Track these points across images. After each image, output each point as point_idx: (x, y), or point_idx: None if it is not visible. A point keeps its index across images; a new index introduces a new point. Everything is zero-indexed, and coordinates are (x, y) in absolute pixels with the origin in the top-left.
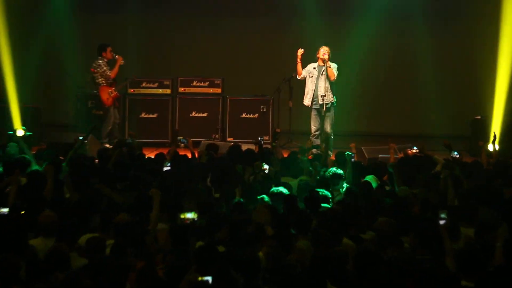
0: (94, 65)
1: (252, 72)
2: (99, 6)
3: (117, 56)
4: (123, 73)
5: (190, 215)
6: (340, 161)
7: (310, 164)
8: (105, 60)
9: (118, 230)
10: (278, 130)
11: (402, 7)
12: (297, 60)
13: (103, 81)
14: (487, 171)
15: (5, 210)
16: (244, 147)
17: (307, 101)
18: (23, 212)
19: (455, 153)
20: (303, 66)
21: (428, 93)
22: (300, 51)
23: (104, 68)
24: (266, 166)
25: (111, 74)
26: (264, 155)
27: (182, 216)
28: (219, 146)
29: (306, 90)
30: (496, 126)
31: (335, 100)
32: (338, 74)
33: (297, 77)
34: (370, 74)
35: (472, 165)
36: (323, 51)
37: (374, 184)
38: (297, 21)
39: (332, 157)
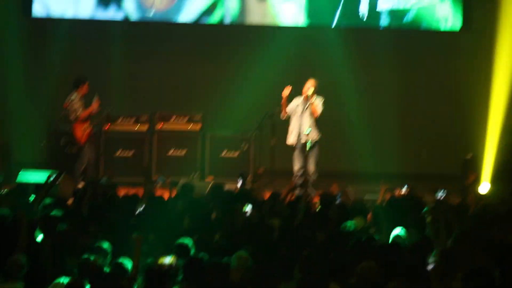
0: (67, 100)
1: (234, 108)
2: (74, 37)
3: (95, 99)
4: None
5: (168, 260)
6: (324, 203)
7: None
8: (80, 95)
9: (94, 276)
10: (260, 171)
11: (393, 42)
12: (282, 100)
13: (76, 117)
14: (474, 215)
15: None
16: (226, 186)
17: (291, 139)
18: None
19: (439, 194)
20: (289, 101)
21: (418, 131)
22: (285, 93)
23: (76, 106)
24: (248, 208)
25: (82, 114)
26: (246, 195)
27: (160, 261)
28: (194, 187)
29: (290, 128)
30: (487, 165)
31: (319, 137)
32: (323, 109)
33: (281, 117)
34: (357, 110)
35: (457, 208)
36: (308, 85)
37: (360, 225)
38: (282, 54)
39: (316, 198)
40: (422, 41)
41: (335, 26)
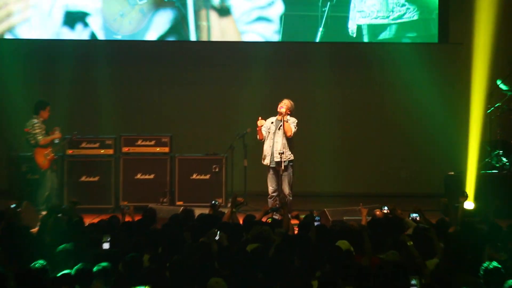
0: (28, 124)
1: (203, 129)
2: (35, 58)
3: (56, 130)
4: (62, 132)
5: None
6: (304, 225)
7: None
8: (41, 120)
9: None
10: (240, 199)
11: (377, 60)
12: (257, 128)
13: (36, 143)
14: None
15: None
16: (197, 211)
17: (266, 160)
18: None
19: (414, 215)
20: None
21: (398, 149)
22: (260, 123)
23: (37, 130)
24: (217, 236)
25: (42, 141)
26: (218, 220)
27: None
28: (156, 211)
29: (265, 147)
30: (470, 182)
31: (293, 157)
32: (298, 129)
33: (258, 139)
34: (334, 128)
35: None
36: (281, 104)
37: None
38: (253, 71)
39: (293, 221)
40: (400, 54)
41: (307, 41)
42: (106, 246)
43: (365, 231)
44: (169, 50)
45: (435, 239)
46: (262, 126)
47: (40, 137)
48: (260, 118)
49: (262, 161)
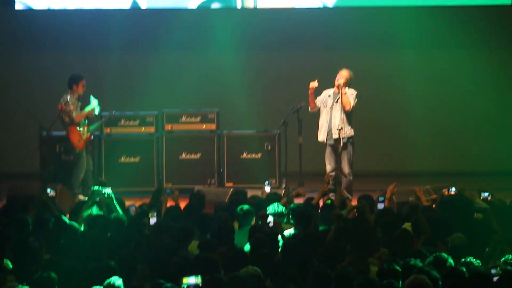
0: (61, 100)
1: (253, 103)
2: (66, 31)
3: (94, 102)
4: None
5: (193, 280)
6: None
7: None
8: (75, 95)
9: None
10: (301, 191)
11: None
12: (309, 91)
13: (71, 121)
14: None
15: None
16: (249, 193)
17: (321, 136)
18: None
19: (486, 194)
20: (317, 95)
21: (466, 124)
22: (313, 84)
23: (71, 107)
24: (270, 219)
25: (76, 117)
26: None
27: (184, 281)
28: (205, 194)
29: (320, 122)
30: None
31: (353, 133)
32: (357, 102)
33: (309, 110)
34: (396, 103)
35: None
36: (338, 76)
37: None
38: (305, 39)
39: (353, 202)
40: (471, 17)
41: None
42: (153, 220)
43: (421, 212)
44: (213, 19)
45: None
46: (314, 88)
47: (74, 114)
48: (316, 80)
49: (318, 137)
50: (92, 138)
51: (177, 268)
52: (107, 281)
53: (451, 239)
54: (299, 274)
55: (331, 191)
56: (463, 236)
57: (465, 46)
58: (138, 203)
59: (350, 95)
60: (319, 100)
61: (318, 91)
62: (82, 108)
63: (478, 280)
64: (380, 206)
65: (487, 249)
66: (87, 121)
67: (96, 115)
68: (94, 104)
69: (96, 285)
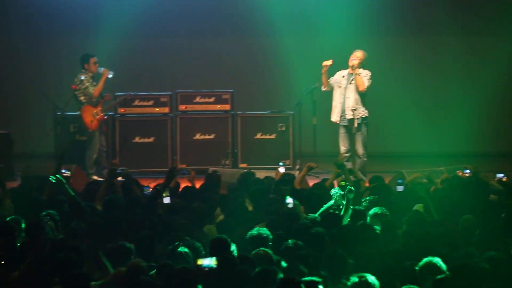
0: (76, 80)
1: (267, 84)
2: (77, 8)
3: (102, 69)
4: (112, 89)
5: (207, 262)
6: (379, 189)
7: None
8: (89, 74)
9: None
10: (313, 165)
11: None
12: (322, 70)
13: (86, 100)
14: None
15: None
16: (261, 174)
17: (335, 116)
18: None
19: (501, 175)
20: (330, 76)
21: (483, 105)
22: (326, 62)
23: (87, 84)
24: (290, 200)
25: (94, 91)
26: (286, 184)
27: (199, 263)
28: (221, 176)
29: (334, 103)
30: None
31: (367, 115)
32: (372, 83)
33: (322, 89)
34: (411, 83)
35: None
36: (352, 56)
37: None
38: (321, 20)
39: (366, 184)
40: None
41: None
42: (166, 200)
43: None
44: (227, 1)
45: None
46: (327, 66)
47: (91, 89)
48: (330, 60)
49: (331, 117)
50: (105, 118)
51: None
52: None
53: (461, 221)
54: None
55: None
56: (473, 218)
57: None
58: (152, 184)
59: (365, 76)
60: (332, 80)
61: (332, 72)
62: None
63: None
64: (400, 188)
65: None
66: (102, 99)
67: (111, 77)
68: (103, 71)
69: (113, 266)
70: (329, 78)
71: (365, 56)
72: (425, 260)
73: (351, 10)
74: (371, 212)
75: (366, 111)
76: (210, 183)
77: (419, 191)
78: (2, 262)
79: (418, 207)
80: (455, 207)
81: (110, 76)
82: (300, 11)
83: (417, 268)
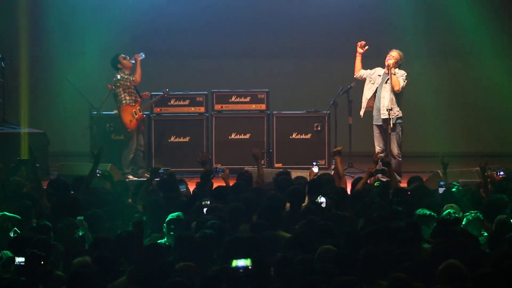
0: (114, 80)
1: (302, 83)
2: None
3: (133, 60)
4: (149, 88)
5: (242, 263)
6: (419, 190)
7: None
8: (125, 71)
9: None
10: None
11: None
12: (356, 53)
13: (127, 98)
14: None
15: (21, 259)
16: (296, 174)
17: (362, 111)
18: (42, 262)
19: (501, 172)
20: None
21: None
22: (361, 43)
23: (126, 77)
24: (322, 199)
25: (136, 77)
26: (320, 185)
27: (234, 264)
28: (252, 175)
29: (363, 98)
30: None
31: (401, 115)
32: (407, 83)
33: (354, 75)
34: (446, 83)
35: None
36: (388, 56)
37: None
38: (358, 19)
39: (403, 184)
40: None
41: None
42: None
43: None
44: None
45: None
46: (361, 52)
47: (132, 78)
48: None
49: (360, 112)
50: (144, 117)
51: (227, 249)
52: None
53: (496, 221)
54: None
55: (378, 172)
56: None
57: None
58: (189, 183)
59: (400, 76)
60: (367, 73)
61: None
62: (137, 90)
63: None
64: (441, 190)
65: None
66: (140, 98)
67: (144, 57)
68: (135, 57)
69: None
70: (364, 69)
71: (401, 56)
72: None
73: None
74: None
75: (400, 111)
76: (242, 182)
77: (455, 192)
78: (42, 262)
79: (450, 207)
80: (495, 207)
81: (142, 58)
82: (335, 10)
83: None
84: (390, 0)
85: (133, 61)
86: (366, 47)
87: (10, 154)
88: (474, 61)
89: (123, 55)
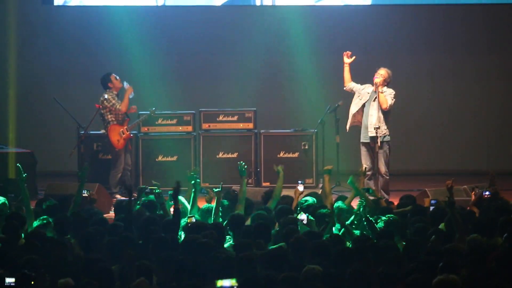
0: (100, 99)
1: (290, 102)
2: (102, 27)
3: (126, 85)
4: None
5: (228, 283)
6: (415, 210)
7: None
8: (113, 91)
9: None
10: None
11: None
12: (343, 64)
13: (113, 119)
14: None
15: (11, 280)
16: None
17: (347, 125)
18: (32, 282)
19: (487, 192)
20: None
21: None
22: (348, 53)
23: (113, 101)
24: (303, 216)
25: (122, 107)
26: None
27: (219, 285)
28: (237, 194)
29: (350, 111)
30: None
31: (389, 133)
32: (395, 102)
33: (344, 86)
34: (434, 101)
35: None
36: (376, 74)
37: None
38: (341, 36)
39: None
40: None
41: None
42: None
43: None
44: (247, 17)
45: None
46: (348, 63)
47: (119, 106)
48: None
49: (346, 126)
50: (131, 136)
51: (213, 268)
52: None
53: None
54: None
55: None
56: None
57: None
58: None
59: (388, 94)
60: (357, 87)
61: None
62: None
63: None
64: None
65: None
66: (127, 117)
67: (131, 97)
68: (128, 88)
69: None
70: (354, 82)
71: (389, 74)
72: None
73: (375, 26)
74: None
75: (388, 130)
76: (227, 202)
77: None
78: (33, 282)
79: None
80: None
81: (131, 96)
82: (322, 29)
83: None
84: (379, 19)
85: (125, 86)
86: (353, 57)
87: None
88: (462, 80)
89: (115, 75)
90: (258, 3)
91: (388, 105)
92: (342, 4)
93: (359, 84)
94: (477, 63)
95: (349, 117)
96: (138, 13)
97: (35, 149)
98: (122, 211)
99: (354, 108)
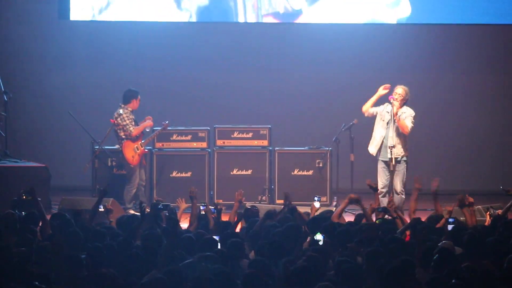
0: (115, 115)
1: (304, 119)
2: (119, 41)
3: (148, 119)
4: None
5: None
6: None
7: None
8: (129, 109)
9: None
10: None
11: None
12: (376, 92)
13: (125, 136)
14: None
15: None
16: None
17: (372, 148)
18: None
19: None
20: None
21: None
22: (381, 92)
23: (127, 121)
24: (320, 237)
25: (134, 131)
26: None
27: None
28: (258, 211)
29: (374, 134)
30: None
31: (406, 154)
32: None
33: (363, 110)
34: (452, 121)
35: None
36: (393, 95)
37: None
38: (354, 53)
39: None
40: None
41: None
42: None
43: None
44: (264, 34)
45: None
46: (381, 95)
47: (132, 128)
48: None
49: (368, 148)
50: (146, 151)
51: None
52: None
53: (507, 261)
54: None
55: (381, 211)
56: None
57: None
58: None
59: (408, 116)
60: (377, 110)
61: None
62: (136, 122)
63: None
64: (450, 227)
65: None
66: (142, 133)
67: (149, 131)
68: (149, 123)
69: None
70: (375, 106)
71: (407, 92)
72: None
73: (391, 44)
74: None
75: (406, 150)
76: (249, 219)
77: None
78: None
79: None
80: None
81: (147, 129)
82: (337, 47)
83: None
84: (394, 37)
85: (145, 120)
86: (387, 91)
87: (11, 188)
88: (477, 100)
89: (140, 98)
90: (265, 20)
91: (409, 129)
92: (363, 22)
93: (379, 107)
94: (494, 82)
95: (375, 140)
96: (154, 29)
97: (49, 163)
98: (125, 226)
99: (381, 131)
